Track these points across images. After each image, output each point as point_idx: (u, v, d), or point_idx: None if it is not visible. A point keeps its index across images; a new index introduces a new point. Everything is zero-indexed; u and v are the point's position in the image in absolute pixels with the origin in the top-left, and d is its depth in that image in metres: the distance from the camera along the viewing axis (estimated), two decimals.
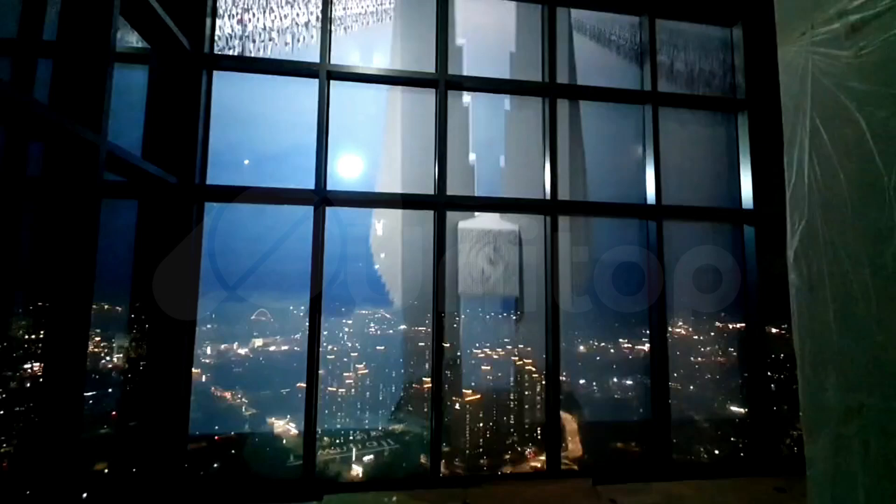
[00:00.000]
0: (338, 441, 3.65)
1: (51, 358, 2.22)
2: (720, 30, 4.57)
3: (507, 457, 3.83)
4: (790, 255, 1.57)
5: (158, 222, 3.28)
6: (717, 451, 4.11)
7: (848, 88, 1.37)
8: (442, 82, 3.89)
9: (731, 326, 4.27)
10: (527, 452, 3.84)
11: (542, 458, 3.77)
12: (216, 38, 3.72)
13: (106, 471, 2.87)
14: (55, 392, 2.19)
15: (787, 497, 3.41)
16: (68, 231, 2.28)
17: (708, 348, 4.26)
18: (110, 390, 2.93)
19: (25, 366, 2.20)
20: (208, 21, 3.65)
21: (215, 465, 3.45)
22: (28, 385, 2.20)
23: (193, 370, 3.41)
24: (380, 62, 3.95)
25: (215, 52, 3.69)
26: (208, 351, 3.57)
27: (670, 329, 4.08)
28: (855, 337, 1.31)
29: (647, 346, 4.08)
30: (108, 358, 2.92)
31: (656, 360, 3.99)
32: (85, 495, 2.61)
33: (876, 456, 1.24)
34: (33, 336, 2.24)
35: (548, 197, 3.98)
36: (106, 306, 2.87)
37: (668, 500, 3.38)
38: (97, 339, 2.78)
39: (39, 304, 2.27)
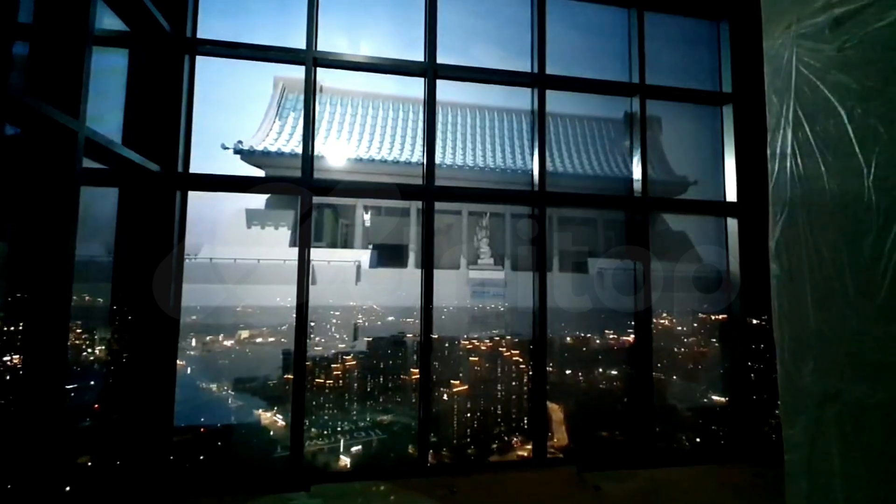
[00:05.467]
0: (325, 432, 3.65)
1: (30, 350, 2.17)
2: (707, 23, 4.60)
3: (495, 446, 3.87)
4: (772, 245, 1.60)
5: (140, 211, 3.20)
6: (698, 439, 4.21)
7: (831, 81, 1.39)
8: (430, 71, 3.85)
9: (713, 317, 4.36)
10: (513, 441, 3.89)
11: (529, 446, 3.82)
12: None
13: (89, 464, 2.83)
14: (35, 385, 2.14)
15: (766, 482, 3.51)
16: (46, 220, 2.22)
17: (691, 339, 4.34)
18: (93, 382, 2.88)
19: (5, 358, 2.14)
20: (190, 4, 3.55)
21: (201, 457, 3.43)
22: (7, 378, 2.15)
23: (178, 362, 3.37)
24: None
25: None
26: (193, 343, 3.52)
27: (654, 320, 4.15)
28: (832, 325, 1.35)
29: (631, 337, 4.14)
30: (89, 350, 2.86)
31: (640, 351, 4.05)
32: (68, 489, 2.57)
33: (852, 440, 1.28)
34: (12, 328, 2.18)
35: (535, 188, 3.99)
36: (87, 297, 2.81)
37: (651, 486, 3.45)
38: (78, 330, 2.73)
39: (18, 295, 2.21)
